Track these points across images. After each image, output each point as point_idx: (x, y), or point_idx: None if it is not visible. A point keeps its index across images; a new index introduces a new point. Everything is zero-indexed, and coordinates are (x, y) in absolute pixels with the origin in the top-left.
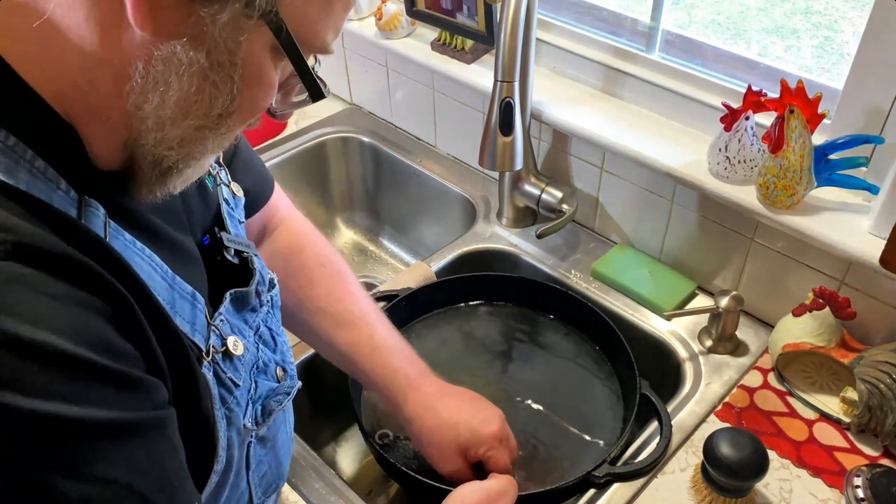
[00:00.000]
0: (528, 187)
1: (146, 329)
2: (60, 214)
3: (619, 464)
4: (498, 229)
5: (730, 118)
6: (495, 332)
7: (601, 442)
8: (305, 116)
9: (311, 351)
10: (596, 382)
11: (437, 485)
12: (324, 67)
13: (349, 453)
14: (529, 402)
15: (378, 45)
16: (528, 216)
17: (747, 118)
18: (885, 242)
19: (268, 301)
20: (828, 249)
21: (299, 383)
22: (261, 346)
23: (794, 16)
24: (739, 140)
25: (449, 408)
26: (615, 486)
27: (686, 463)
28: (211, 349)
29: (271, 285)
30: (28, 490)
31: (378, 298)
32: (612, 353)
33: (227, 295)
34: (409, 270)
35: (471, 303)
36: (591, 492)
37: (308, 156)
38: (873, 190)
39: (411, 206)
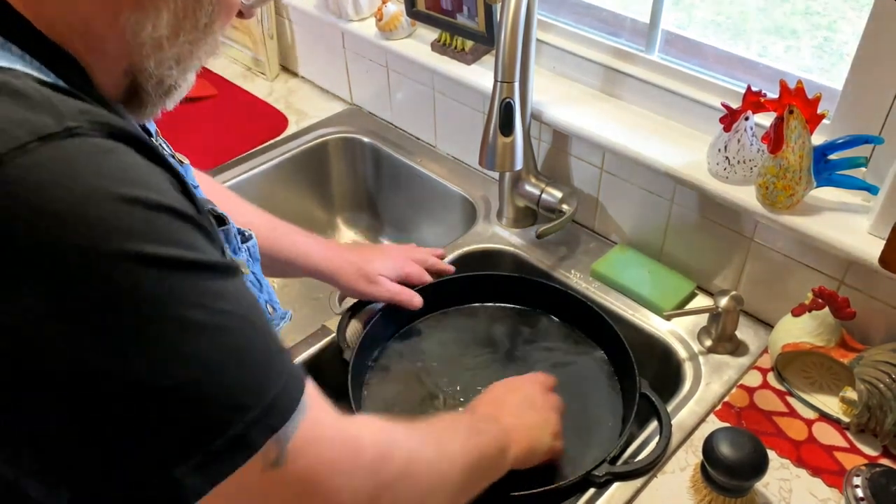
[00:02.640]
0: (528, 187)
1: (198, 203)
2: (89, 107)
3: (619, 463)
4: (498, 229)
5: (729, 118)
6: (495, 332)
7: (600, 441)
8: (306, 117)
9: (311, 351)
10: (595, 382)
11: None
12: (324, 68)
13: None
14: None
15: (378, 45)
16: (528, 216)
17: (747, 118)
18: (884, 242)
19: (245, 250)
20: (827, 249)
21: (290, 312)
22: (250, 285)
23: (793, 16)
24: (739, 140)
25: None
26: (615, 485)
27: (686, 462)
28: (228, 257)
29: (245, 237)
30: (171, 325)
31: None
32: (611, 353)
33: (220, 230)
34: None
35: (471, 303)
36: (591, 491)
37: (308, 156)
38: (873, 190)
39: (411, 207)
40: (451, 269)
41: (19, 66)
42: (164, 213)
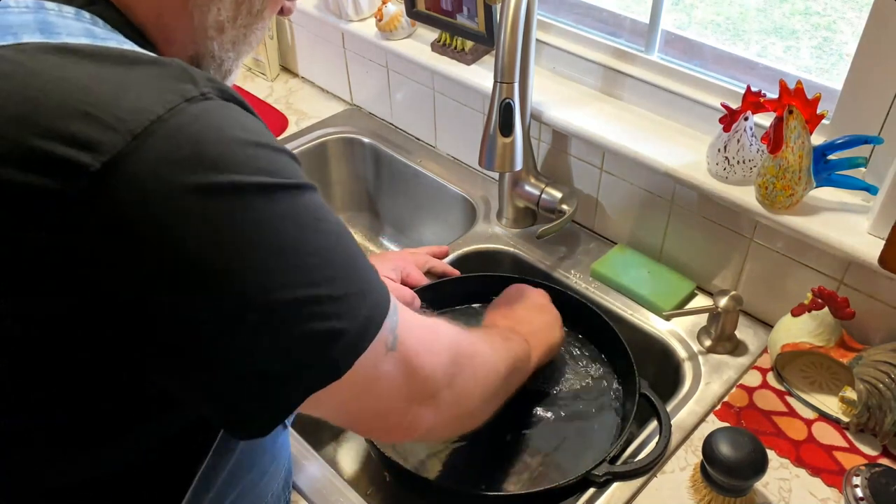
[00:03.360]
0: (527, 188)
1: None
2: (210, 76)
3: (619, 463)
4: (498, 229)
5: (729, 119)
6: None
7: (600, 441)
8: (306, 117)
9: None
10: (595, 382)
11: (440, 483)
12: (324, 68)
13: (350, 453)
14: (529, 401)
15: (378, 45)
16: (528, 216)
17: (746, 119)
18: (883, 242)
19: None
20: (827, 249)
21: None
22: None
23: (793, 16)
24: (738, 140)
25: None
26: (614, 485)
27: (685, 462)
28: None
29: None
30: (314, 233)
31: None
32: (611, 353)
33: None
34: None
35: (471, 303)
36: (591, 491)
37: (309, 156)
38: (872, 190)
39: (411, 207)
40: (454, 270)
41: (136, 48)
42: (282, 154)
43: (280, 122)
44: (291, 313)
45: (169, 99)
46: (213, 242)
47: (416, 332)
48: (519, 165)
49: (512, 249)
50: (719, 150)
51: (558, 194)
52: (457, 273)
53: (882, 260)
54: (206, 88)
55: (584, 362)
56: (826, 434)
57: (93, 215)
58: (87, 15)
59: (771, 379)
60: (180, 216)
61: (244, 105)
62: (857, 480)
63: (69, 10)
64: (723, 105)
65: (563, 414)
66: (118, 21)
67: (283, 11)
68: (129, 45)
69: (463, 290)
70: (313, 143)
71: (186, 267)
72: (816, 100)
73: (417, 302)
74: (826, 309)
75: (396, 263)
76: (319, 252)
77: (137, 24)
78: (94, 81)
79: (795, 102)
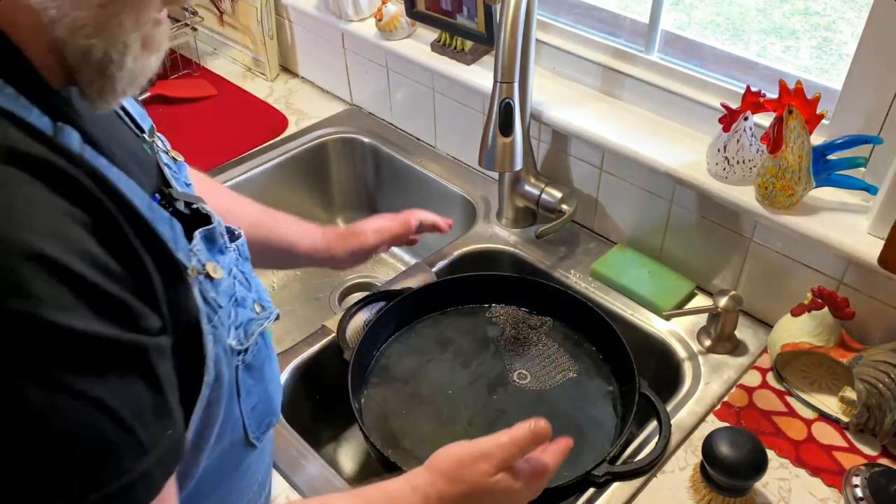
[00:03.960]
0: (527, 188)
1: (134, 244)
2: (38, 130)
3: (619, 463)
4: (498, 229)
5: (728, 119)
6: (495, 331)
7: (600, 441)
8: (306, 117)
9: (311, 351)
10: (595, 382)
11: None
12: (324, 68)
13: (349, 452)
14: (529, 401)
15: (378, 45)
16: (528, 216)
17: (746, 119)
18: (883, 242)
19: (234, 248)
20: (826, 249)
21: (277, 311)
22: (236, 283)
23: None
24: (738, 140)
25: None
26: (614, 485)
27: (685, 462)
28: (193, 269)
29: (234, 236)
30: None
31: (378, 298)
32: (611, 353)
33: (197, 233)
34: (409, 270)
35: (471, 303)
36: (591, 491)
37: (308, 156)
38: (872, 190)
39: (411, 206)
40: (444, 226)
41: None
42: (26, 259)
43: (280, 122)
44: None
45: None
46: None
47: None
48: (519, 165)
49: (512, 249)
50: (719, 150)
51: (558, 194)
52: (445, 227)
53: (882, 260)
54: None
55: (584, 362)
56: (826, 434)
57: None
58: None
59: (771, 379)
60: None
61: (58, 176)
62: (856, 480)
63: None
64: (722, 105)
65: (562, 414)
66: None
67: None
68: None
69: (462, 290)
70: (313, 143)
71: None
72: (816, 100)
73: (414, 222)
74: (826, 309)
75: (381, 218)
76: (23, 426)
77: None
78: None
79: (795, 102)
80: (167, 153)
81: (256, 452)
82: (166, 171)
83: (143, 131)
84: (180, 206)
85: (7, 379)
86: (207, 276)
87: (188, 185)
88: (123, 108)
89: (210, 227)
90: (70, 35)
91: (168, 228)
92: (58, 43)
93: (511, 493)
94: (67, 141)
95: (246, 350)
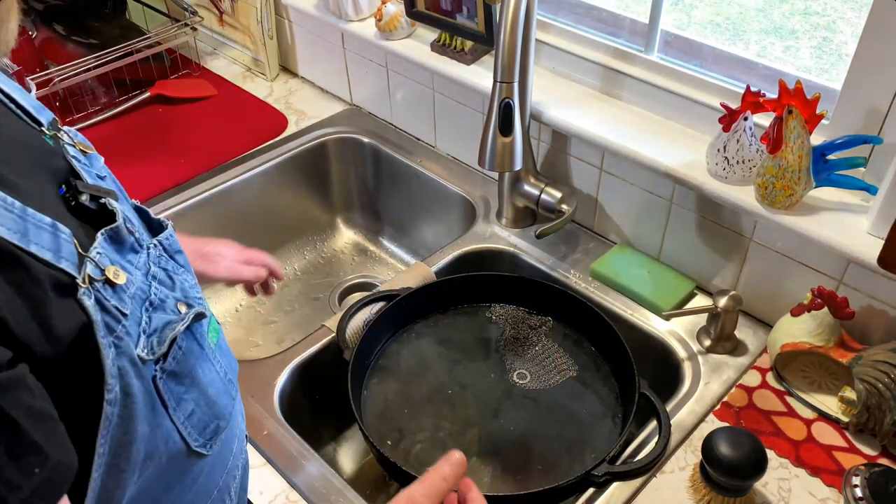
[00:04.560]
0: (527, 187)
1: None
2: None
3: (619, 463)
4: (498, 229)
5: (728, 119)
6: (495, 331)
7: (600, 441)
8: (306, 117)
9: (311, 351)
10: (595, 382)
11: None
12: (324, 68)
13: (349, 452)
14: (529, 401)
15: (378, 45)
16: (528, 216)
17: (746, 119)
18: (883, 242)
19: (154, 245)
20: (826, 249)
21: (202, 309)
22: (154, 284)
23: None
24: (738, 140)
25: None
26: (614, 485)
27: (685, 462)
28: (87, 277)
29: (160, 228)
30: None
31: (378, 298)
32: (611, 353)
33: (99, 234)
34: (409, 270)
35: (471, 303)
36: (591, 491)
37: (308, 156)
38: (872, 190)
39: (411, 207)
40: (282, 275)
41: None
42: None
43: (280, 121)
44: None
45: None
46: None
47: None
48: (519, 165)
49: (512, 249)
50: (719, 150)
51: (558, 194)
52: (281, 277)
53: (882, 260)
54: None
55: (584, 362)
56: (825, 434)
57: None
58: None
59: (770, 379)
60: None
61: None
62: (856, 480)
63: None
64: (722, 105)
65: (562, 414)
66: None
67: None
68: None
69: (462, 290)
70: (313, 142)
71: None
72: (816, 100)
73: (263, 273)
74: (826, 309)
75: (234, 249)
76: None
77: None
78: None
79: (795, 102)
80: (74, 146)
81: (209, 459)
82: (74, 163)
83: (40, 125)
84: (84, 199)
85: None
86: (107, 281)
87: (101, 177)
88: (15, 102)
89: (113, 225)
90: None
91: (48, 235)
92: None
93: None
94: None
95: (164, 357)
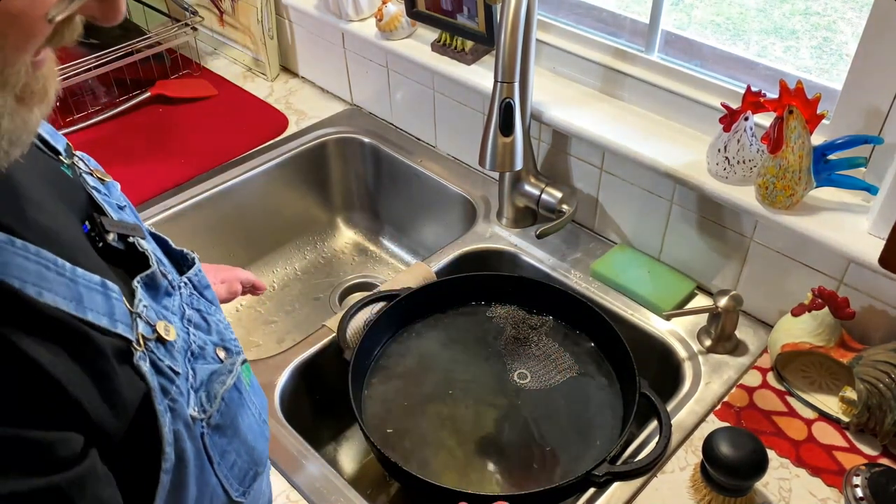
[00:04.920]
0: (527, 187)
1: (32, 355)
2: None
3: (619, 463)
4: (498, 229)
5: (729, 119)
6: (495, 331)
7: (601, 441)
8: (306, 117)
9: (311, 351)
10: (595, 382)
11: (438, 484)
12: (324, 68)
13: (349, 452)
14: (529, 401)
15: (378, 45)
16: (528, 216)
17: (746, 119)
18: (884, 242)
19: (185, 283)
20: (827, 249)
21: (242, 357)
22: (192, 329)
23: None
24: (738, 140)
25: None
26: (615, 485)
27: (685, 462)
28: (141, 338)
29: (187, 264)
30: None
31: (378, 298)
32: (611, 353)
33: (137, 282)
34: (409, 270)
35: (471, 303)
36: (591, 491)
37: (308, 156)
38: (872, 190)
39: (411, 207)
40: (263, 287)
41: None
42: None
43: (280, 121)
44: None
45: None
46: None
47: None
48: (519, 165)
49: (512, 249)
50: (719, 150)
51: (558, 194)
52: (263, 289)
53: (882, 260)
54: None
55: (584, 362)
56: (826, 434)
57: None
58: None
59: (771, 379)
60: None
61: None
62: (857, 480)
63: None
64: (723, 105)
65: (562, 414)
66: None
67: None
68: None
69: (462, 290)
70: (313, 142)
71: None
72: (816, 100)
73: (238, 288)
74: (826, 309)
75: (226, 276)
76: None
77: None
78: None
79: (795, 102)
80: (91, 174)
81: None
82: (95, 195)
83: (58, 153)
84: (112, 238)
85: None
86: (160, 339)
87: (121, 207)
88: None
89: (148, 272)
90: None
91: (100, 297)
92: None
93: None
94: None
95: (207, 417)
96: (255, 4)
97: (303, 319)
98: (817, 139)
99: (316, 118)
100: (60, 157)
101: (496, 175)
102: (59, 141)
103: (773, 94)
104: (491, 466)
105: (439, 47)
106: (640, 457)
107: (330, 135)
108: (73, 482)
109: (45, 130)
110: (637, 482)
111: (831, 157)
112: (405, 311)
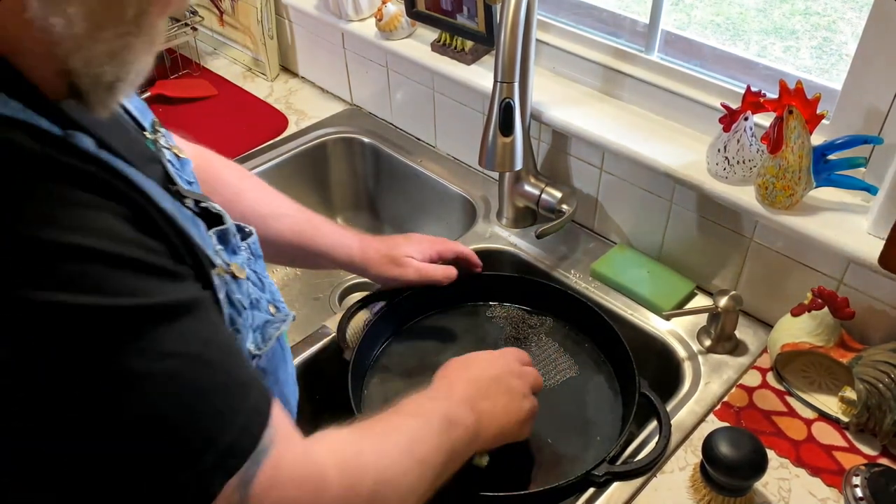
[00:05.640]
0: (527, 187)
1: (164, 229)
2: (56, 136)
3: (619, 463)
4: (498, 229)
5: (729, 119)
6: (495, 331)
7: (600, 441)
8: (306, 117)
9: (311, 351)
10: (595, 382)
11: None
12: (324, 68)
13: None
14: None
15: (378, 45)
16: (528, 216)
17: (746, 119)
18: (883, 242)
19: (246, 248)
20: (826, 249)
21: (293, 314)
22: (250, 284)
23: (792, 17)
24: (738, 140)
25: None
26: (614, 485)
27: (685, 462)
28: (220, 268)
29: (246, 234)
30: (110, 379)
31: (378, 298)
32: (611, 353)
33: (211, 232)
34: None
35: (471, 303)
36: (591, 491)
37: (308, 156)
38: (872, 190)
39: (411, 206)
40: (479, 263)
41: None
42: (89, 260)
43: (280, 121)
44: (90, 481)
45: None
46: None
47: (283, 491)
48: (519, 165)
49: (512, 249)
50: (719, 150)
51: (558, 194)
52: (479, 265)
53: (882, 260)
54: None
55: (584, 362)
56: (826, 434)
57: None
58: None
59: (771, 379)
60: None
61: (84, 176)
62: (856, 480)
63: None
64: (723, 105)
65: (562, 414)
66: None
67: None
68: None
69: (462, 290)
70: (313, 143)
71: None
72: (816, 100)
73: (452, 272)
74: (826, 309)
75: (422, 245)
76: (136, 399)
77: None
78: None
79: (795, 102)
80: (169, 149)
81: None
82: (170, 168)
83: (143, 129)
84: (189, 203)
85: (111, 362)
86: (233, 275)
87: (191, 183)
88: (122, 105)
89: (223, 226)
90: (84, 65)
91: (192, 226)
92: (68, 70)
93: (511, 373)
94: (84, 145)
95: (260, 354)
96: (255, 4)
97: (302, 319)
98: (817, 139)
99: (316, 118)
100: (145, 133)
101: (496, 175)
102: (146, 116)
103: (773, 94)
104: (490, 466)
105: (439, 47)
106: (640, 457)
107: (330, 135)
108: (204, 301)
109: (136, 107)
110: (637, 482)
111: (831, 157)
112: (405, 310)
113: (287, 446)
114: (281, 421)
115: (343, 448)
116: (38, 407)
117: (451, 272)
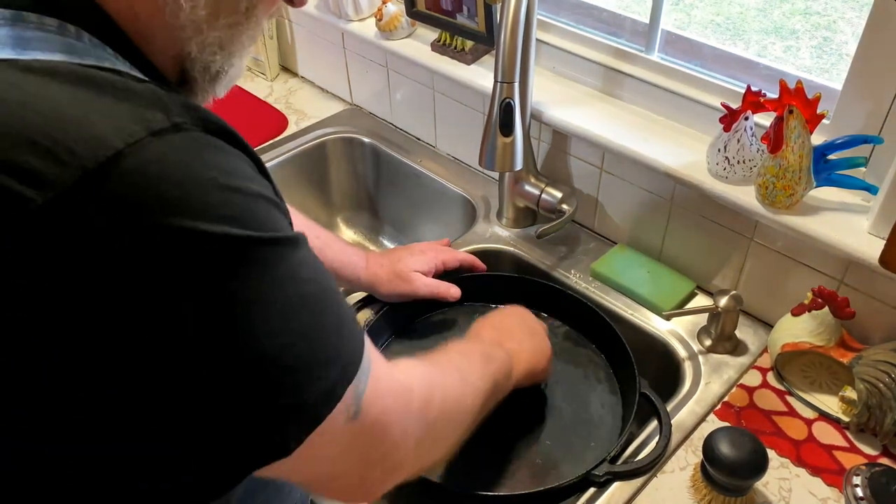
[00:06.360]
0: (527, 187)
1: (272, 178)
2: (189, 102)
3: (619, 463)
4: (498, 229)
5: (729, 118)
6: None
7: (601, 441)
8: (306, 117)
9: None
10: (595, 382)
11: (440, 483)
12: (324, 68)
13: None
14: (529, 401)
15: (378, 45)
16: (528, 216)
17: (746, 118)
18: (884, 242)
19: None
20: (827, 249)
21: None
22: None
23: (792, 16)
24: (738, 140)
25: (397, 250)
26: (615, 484)
27: (685, 462)
28: None
29: None
30: (272, 299)
31: (378, 298)
32: (611, 353)
33: None
34: None
35: (471, 303)
36: (591, 490)
37: (308, 156)
38: (872, 190)
39: (411, 206)
40: (481, 265)
41: (119, 65)
42: (262, 201)
43: (280, 121)
44: (241, 387)
45: (132, 131)
46: (161, 300)
47: (384, 401)
48: (519, 165)
49: (512, 249)
50: (719, 150)
51: (558, 194)
52: (483, 267)
53: (882, 260)
54: (179, 118)
55: (584, 362)
56: (826, 434)
57: (31, 254)
58: (71, 28)
59: (771, 379)
60: (129, 265)
61: (231, 137)
62: (857, 480)
63: (51, 22)
64: (723, 105)
65: (562, 414)
66: (105, 31)
67: (292, 2)
68: (109, 62)
69: (462, 290)
70: (313, 142)
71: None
72: (816, 100)
73: (455, 291)
74: (826, 309)
75: (427, 257)
76: (284, 317)
77: (122, 27)
78: (52, 108)
79: (795, 102)
80: None
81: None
82: None
83: None
84: None
85: (271, 279)
86: None
87: None
88: None
89: None
90: (199, 51)
91: None
92: (185, 56)
93: (529, 317)
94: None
95: None
96: None
97: None
98: (817, 139)
99: (316, 118)
100: None
101: (496, 175)
102: None
103: (773, 94)
104: (490, 466)
105: (439, 47)
106: (640, 457)
107: (330, 135)
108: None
109: None
110: (637, 482)
111: (831, 156)
112: (405, 311)
113: (379, 363)
114: (370, 344)
115: (414, 371)
116: (223, 328)
117: (457, 293)
